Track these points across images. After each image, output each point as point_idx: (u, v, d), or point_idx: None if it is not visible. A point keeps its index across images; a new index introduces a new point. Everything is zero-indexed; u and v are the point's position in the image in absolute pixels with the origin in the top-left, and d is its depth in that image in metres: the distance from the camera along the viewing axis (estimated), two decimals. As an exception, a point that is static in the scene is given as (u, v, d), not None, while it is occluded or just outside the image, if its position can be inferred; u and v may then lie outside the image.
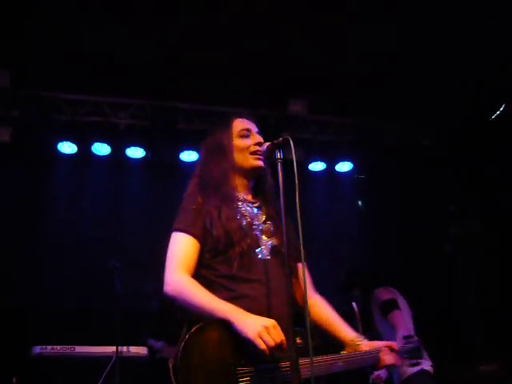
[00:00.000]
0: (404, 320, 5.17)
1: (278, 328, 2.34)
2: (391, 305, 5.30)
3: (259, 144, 2.85)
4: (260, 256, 2.71)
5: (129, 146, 7.43)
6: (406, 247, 7.70)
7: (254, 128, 2.99)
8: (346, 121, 7.96)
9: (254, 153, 2.86)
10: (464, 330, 7.36)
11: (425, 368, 5.00)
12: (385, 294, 5.49)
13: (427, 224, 7.78)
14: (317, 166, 8.03)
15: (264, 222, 2.84)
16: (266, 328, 2.31)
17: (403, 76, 6.86)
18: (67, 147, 7.30)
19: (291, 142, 2.51)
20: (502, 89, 6.95)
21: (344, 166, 8.10)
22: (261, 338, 2.29)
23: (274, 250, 2.74)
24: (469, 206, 7.71)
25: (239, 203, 2.85)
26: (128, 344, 5.12)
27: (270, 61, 6.63)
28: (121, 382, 4.73)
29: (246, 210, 2.84)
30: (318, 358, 2.51)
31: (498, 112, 7.05)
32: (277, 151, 2.58)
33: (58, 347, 5.06)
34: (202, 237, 2.72)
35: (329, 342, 2.79)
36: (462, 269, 7.58)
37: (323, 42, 6.45)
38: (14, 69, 6.72)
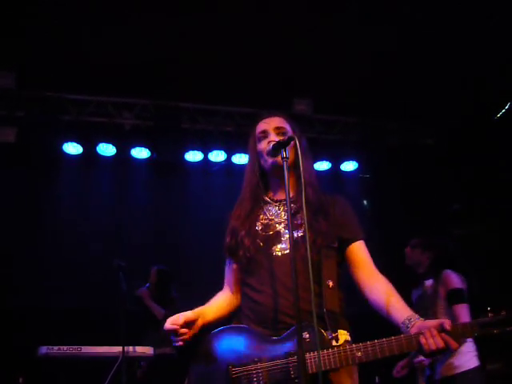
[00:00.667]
0: (469, 317, 4.64)
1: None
2: (461, 296, 4.81)
3: (269, 143, 2.84)
4: (277, 253, 2.72)
5: (134, 147, 7.46)
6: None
7: (271, 125, 2.94)
8: (350, 120, 7.96)
9: (267, 153, 2.84)
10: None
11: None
12: (457, 280, 4.95)
13: (429, 224, 7.76)
14: (322, 166, 8.03)
15: (293, 216, 2.74)
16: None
17: (405, 76, 6.85)
18: (72, 148, 7.33)
19: (297, 140, 2.50)
20: (504, 88, 6.93)
21: (349, 166, 8.10)
22: None
23: (294, 243, 2.53)
24: (470, 207, 7.69)
25: (264, 206, 2.90)
26: (134, 344, 5.11)
27: (274, 60, 6.64)
28: (127, 382, 4.73)
29: (271, 211, 2.87)
30: (330, 351, 2.38)
31: (502, 111, 7.02)
32: (282, 150, 2.57)
33: (65, 347, 5.04)
34: (233, 253, 2.86)
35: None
36: (463, 269, 7.56)
37: (326, 42, 6.46)
38: (18, 70, 6.73)
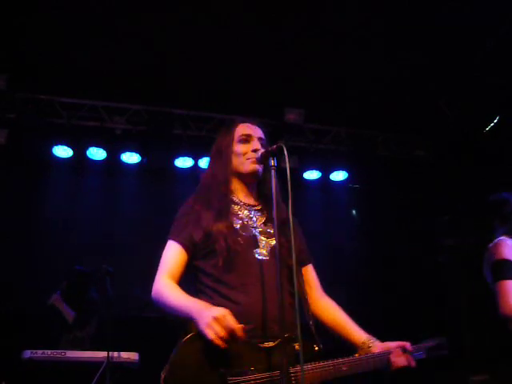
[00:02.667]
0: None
1: (229, 317, 2.29)
2: (508, 270, 3.84)
3: (255, 151, 2.86)
4: (258, 256, 2.70)
5: (124, 152, 7.45)
6: (399, 257, 7.72)
7: (256, 133, 2.98)
8: (341, 130, 7.98)
9: (249, 158, 2.87)
10: (454, 340, 7.36)
11: None
12: (507, 250, 3.98)
13: (421, 234, 7.80)
14: (312, 175, 8.06)
15: (265, 224, 2.84)
16: (216, 318, 2.27)
17: (398, 88, 6.90)
18: (62, 151, 7.32)
19: (285, 149, 2.51)
20: (496, 102, 6.98)
21: (339, 175, 8.13)
22: (211, 329, 2.25)
23: (273, 251, 2.70)
24: (461, 218, 7.72)
25: (235, 206, 2.86)
26: (119, 349, 5.09)
27: (267, 69, 6.67)
28: (111, 388, 4.71)
29: (243, 213, 2.86)
30: (318, 364, 2.45)
31: (491, 124, 7.07)
32: (271, 158, 2.58)
33: (49, 351, 5.02)
34: (190, 244, 2.76)
35: (341, 347, 2.75)
36: (455, 279, 7.59)
37: (319, 52, 6.48)
38: (10, 71, 6.71)
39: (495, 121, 7.11)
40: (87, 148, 7.32)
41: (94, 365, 4.97)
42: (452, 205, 7.83)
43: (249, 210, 2.88)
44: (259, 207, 2.92)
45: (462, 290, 7.46)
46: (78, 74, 6.69)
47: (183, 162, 7.62)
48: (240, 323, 2.34)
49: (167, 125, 7.36)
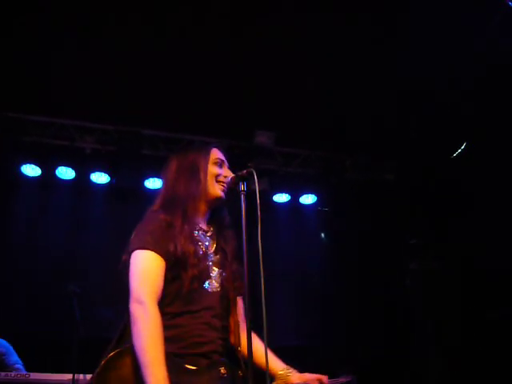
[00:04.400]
0: None
1: None
2: None
3: (226, 177, 2.88)
4: (208, 287, 2.70)
5: (93, 171, 7.42)
6: (367, 280, 7.78)
7: (226, 161, 3.02)
8: (311, 154, 8.06)
9: (220, 182, 2.89)
10: (420, 366, 7.43)
11: None
12: None
13: (388, 258, 7.87)
14: (281, 198, 8.12)
15: (215, 253, 2.83)
16: None
17: (367, 112, 6.99)
18: (31, 170, 7.25)
19: (255, 174, 2.55)
20: (464, 127, 7.11)
21: (308, 199, 8.19)
22: None
23: (223, 282, 2.76)
24: (428, 242, 7.83)
25: (195, 230, 2.82)
26: (85, 372, 5.03)
27: (237, 91, 6.70)
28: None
29: (200, 237, 2.82)
30: None
31: (459, 150, 7.19)
32: (241, 183, 2.62)
33: (12, 373, 4.93)
34: (167, 260, 2.63)
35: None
36: (422, 303, 7.67)
37: (290, 75, 6.56)
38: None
39: (463, 147, 7.24)
40: (56, 167, 7.28)
41: (59, 387, 4.90)
42: (419, 229, 7.94)
43: (204, 236, 2.86)
44: (209, 233, 2.89)
45: (425, 314, 7.55)
46: (48, 92, 6.65)
47: (153, 183, 7.60)
48: (178, 344, 2.49)
49: (137, 145, 7.36)
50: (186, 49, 6.23)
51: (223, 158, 3.00)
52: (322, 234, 8.52)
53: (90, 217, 7.64)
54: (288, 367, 2.75)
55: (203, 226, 2.89)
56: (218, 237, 2.90)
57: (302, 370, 2.79)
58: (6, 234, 7.24)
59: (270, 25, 5.93)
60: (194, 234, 2.77)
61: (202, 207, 2.88)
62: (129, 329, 2.49)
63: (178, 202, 2.81)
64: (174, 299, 2.60)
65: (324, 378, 2.68)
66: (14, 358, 5.38)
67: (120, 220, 7.53)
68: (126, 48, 6.18)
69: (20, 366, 5.32)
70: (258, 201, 2.49)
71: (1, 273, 6.84)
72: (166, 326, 2.49)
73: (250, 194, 2.61)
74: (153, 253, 2.61)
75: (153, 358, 2.35)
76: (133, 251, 2.64)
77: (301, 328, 7.45)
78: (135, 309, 2.46)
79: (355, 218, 8.11)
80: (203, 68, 6.42)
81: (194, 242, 2.73)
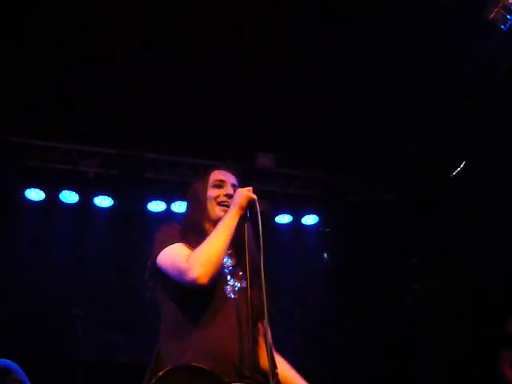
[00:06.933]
0: None
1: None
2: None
3: (228, 196, 2.93)
4: (229, 295, 2.75)
5: (97, 195, 7.47)
6: (369, 300, 7.78)
7: (230, 180, 3.06)
8: (312, 175, 8.12)
9: (220, 203, 2.94)
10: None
11: None
12: None
13: (388, 277, 7.88)
14: (283, 219, 8.16)
15: (233, 267, 2.88)
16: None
17: (368, 133, 7.04)
18: (35, 194, 7.30)
19: (257, 204, 2.66)
20: (463, 146, 7.15)
21: (310, 219, 8.23)
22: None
23: (241, 292, 2.77)
24: (429, 261, 7.83)
25: None
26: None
27: (239, 114, 6.77)
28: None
29: None
30: None
31: (458, 169, 7.22)
32: (253, 204, 2.69)
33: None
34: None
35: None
36: (423, 322, 7.66)
37: (290, 97, 6.63)
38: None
39: (462, 165, 7.26)
40: (60, 191, 7.34)
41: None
42: (421, 248, 7.96)
43: None
44: (229, 251, 2.91)
45: (427, 332, 7.54)
46: (52, 117, 6.73)
47: (156, 206, 7.66)
48: (208, 359, 2.49)
49: (139, 169, 7.42)
50: (187, 73, 6.30)
51: (223, 177, 3.06)
52: (325, 255, 8.54)
53: (93, 240, 7.67)
54: None
55: None
56: (236, 255, 2.93)
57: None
58: (11, 257, 7.26)
59: (270, 50, 6.02)
60: None
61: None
62: (162, 352, 2.63)
63: (189, 229, 2.90)
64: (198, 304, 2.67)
65: None
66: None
67: (124, 243, 7.56)
68: (128, 73, 6.26)
69: None
70: (260, 222, 2.56)
71: (5, 296, 6.86)
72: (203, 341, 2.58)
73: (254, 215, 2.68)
74: (180, 244, 2.74)
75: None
76: (159, 252, 2.75)
77: (302, 346, 7.43)
78: (192, 274, 2.56)
79: (357, 237, 8.13)
80: (204, 92, 6.49)
81: None
